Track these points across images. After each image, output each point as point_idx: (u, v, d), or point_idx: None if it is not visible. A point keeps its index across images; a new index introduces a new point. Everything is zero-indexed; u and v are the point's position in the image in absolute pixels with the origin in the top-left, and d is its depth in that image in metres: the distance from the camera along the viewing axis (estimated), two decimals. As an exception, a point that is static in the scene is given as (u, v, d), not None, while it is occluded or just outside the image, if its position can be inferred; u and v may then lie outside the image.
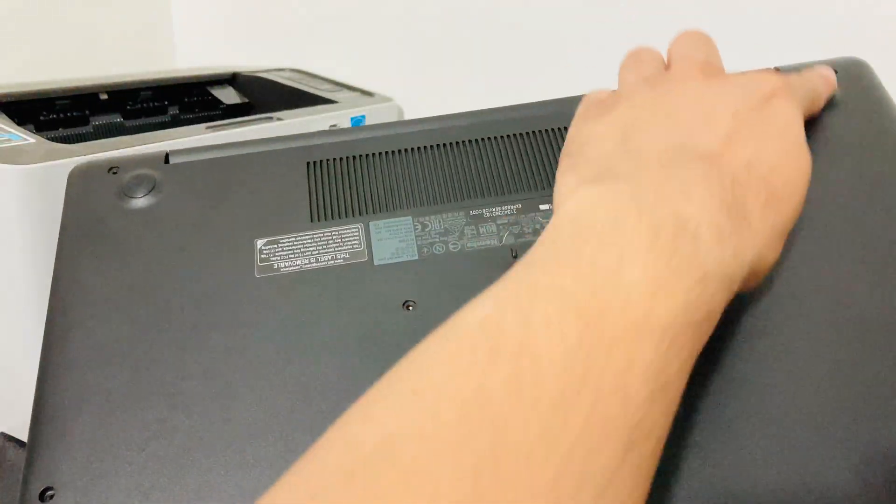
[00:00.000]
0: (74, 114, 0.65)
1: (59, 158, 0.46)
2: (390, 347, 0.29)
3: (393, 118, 0.76)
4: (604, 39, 0.69)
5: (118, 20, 0.89)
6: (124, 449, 0.28)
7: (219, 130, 0.57)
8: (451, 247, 0.32)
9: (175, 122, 0.74)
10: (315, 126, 0.65)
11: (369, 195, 0.34)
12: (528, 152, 0.35)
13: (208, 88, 0.77)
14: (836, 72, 0.36)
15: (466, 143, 0.36)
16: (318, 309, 0.30)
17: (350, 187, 0.34)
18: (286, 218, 0.33)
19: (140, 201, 0.34)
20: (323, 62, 0.84)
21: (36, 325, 0.47)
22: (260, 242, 0.32)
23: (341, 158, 0.35)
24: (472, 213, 0.33)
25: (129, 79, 0.70)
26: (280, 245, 0.32)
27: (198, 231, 0.33)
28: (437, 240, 0.32)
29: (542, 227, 0.32)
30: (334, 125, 0.67)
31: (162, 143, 0.52)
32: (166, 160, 0.36)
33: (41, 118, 0.62)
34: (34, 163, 0.45)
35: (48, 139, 0.50)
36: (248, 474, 0.27)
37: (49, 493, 0.27)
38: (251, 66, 0.83)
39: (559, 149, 0.34)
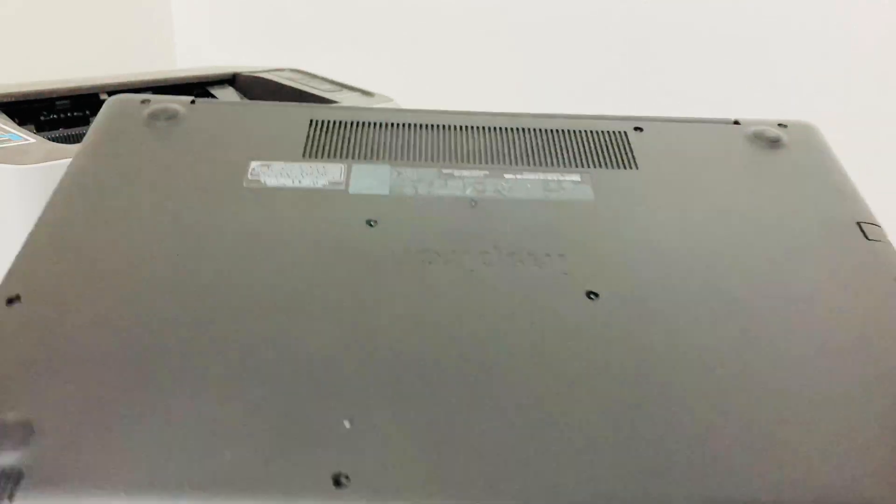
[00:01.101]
0: (75, 114, 0.65)
1: (59, 158, 0.46)
2: (351, 256, 0.32)
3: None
4: (601, 46, 0.69)
5: (118, 20, 0.89)
6: (97, 284, 0.30)
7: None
8: (419, 190, 0.37)
9: (175, 123, 0.74)
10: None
11: (358, 149, 0.39)
12: (501, 138, 0.41)
13: (208, 88, 0.77)
14: (785, 134, 0.42)
15: (449, 127, 0.41)
16: (292, 218, 0.34)
17: (342, 141, 0.39)
18: (282, 151, 0.38)
19: (161, 124, 0.39)
20: (323, 62, 0.84)
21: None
22: (254, 163, 0.37)
23: (341, 122, 0.40)
24: (444, 171, 0.38)
25: (129, 79, 0.70)
26: (271, 168, 0.37)
27: (203, 151, 0.38)
28: (409, 184, 0.37)
29: (504, 189, 0.37)
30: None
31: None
32: (192, 102, 0.42)
33: (42, 118, 0.63)
34: (35, 163, 0.45)
35: (49, 139, 0.50)
36: (209, 356, 0.28)
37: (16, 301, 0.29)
38: (251, 66, 0.83)
39: (528, 137, 0.40)
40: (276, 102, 0.42)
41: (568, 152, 0.40)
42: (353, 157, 0.38)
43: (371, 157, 0.38)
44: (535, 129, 0.41)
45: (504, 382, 0.27)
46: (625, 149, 0.40)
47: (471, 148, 0.40)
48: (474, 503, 0.24)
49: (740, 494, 0.24)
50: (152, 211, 0.34)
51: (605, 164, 0.39)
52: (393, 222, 0.34)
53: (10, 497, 0.22)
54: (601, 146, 0.40)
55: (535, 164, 0.39)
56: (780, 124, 0.43)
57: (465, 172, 0.38)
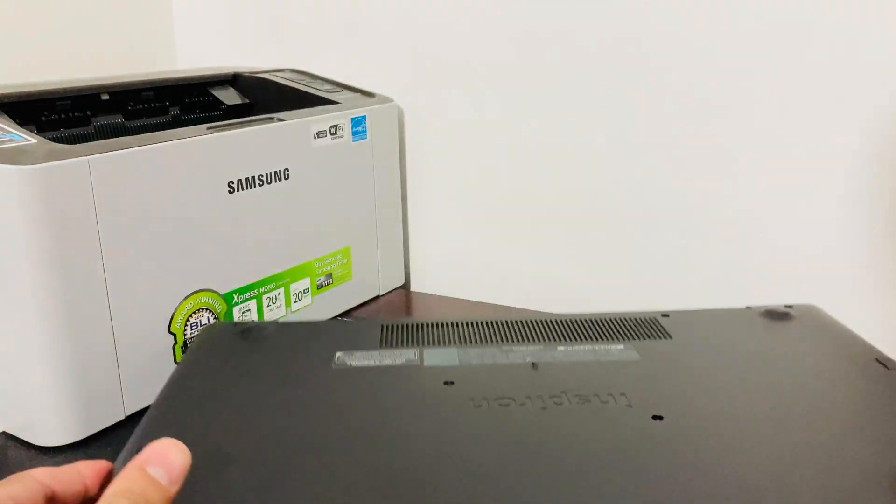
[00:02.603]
0: (76, 114, 0.65)
1: (60, 159, 0.46)
2: (434, 412, 0.38)
3: (393, 119, 0.76)
4: (601, 46, 0.69)
5: (119, 20, 0.89)
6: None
7: (220, 131, 0.57)
8: (485, 361, 0.44)
9: (176, 123, 0.74)
10: (315, 126, 0.65)
11: (426, 340, 0.48)
12: (547, 327, 0.49)
13: (209, 89, 0.77)
14: (792, 311, 0.50)
15: (501, 323, 0.50)
16: (377, 386, 0.41)
17: (411, 337, 0.48)
18: (361, 344, 0.47)
19: (252, 339, 0.47)
20: (323, 62, 0.84)
21: (36, 324, 0.47)
22: (339, 353, 0.46)
23: (407, 325, 0.50)
24: (503, 348, 0.46)
25: (130, 79, 0.70)
26: (354, 355, 0.45)
27: (292, 350, 0.46)
28: (475, 358, 0.45)
29: (559, 356, 0.44)
30: (335, 125, 0.67)
31: (163, 142, 0.52)
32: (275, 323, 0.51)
33: (43, 119, 0.63)
34: (36, 163, 0.45)
35: (50, 140, 0.50)
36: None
37: None
38: (252, 66, 0.83)
39: (572, 325, 0.49)
40: (349, 319, 0.52)
41: (609, 332, 0.48)
42: (422, 345, 0.47)
43: (438, 345, 0.47)
44: (577, 321, 0.50)
45: (592, 492, 0.31)
46: (657, 327, 0.48)
47: (523, 334, 0.48)
48: None
49: None
50: (255, 394, 0.41)
51: (643, 337, 0.47)
52: (468, 381, 0.41)
53: None
54: (636, 326, 0.49)
55: (582, 340, 0.47)
56: (786, 306, 0.51)
57: (523, 348, 0.46)
